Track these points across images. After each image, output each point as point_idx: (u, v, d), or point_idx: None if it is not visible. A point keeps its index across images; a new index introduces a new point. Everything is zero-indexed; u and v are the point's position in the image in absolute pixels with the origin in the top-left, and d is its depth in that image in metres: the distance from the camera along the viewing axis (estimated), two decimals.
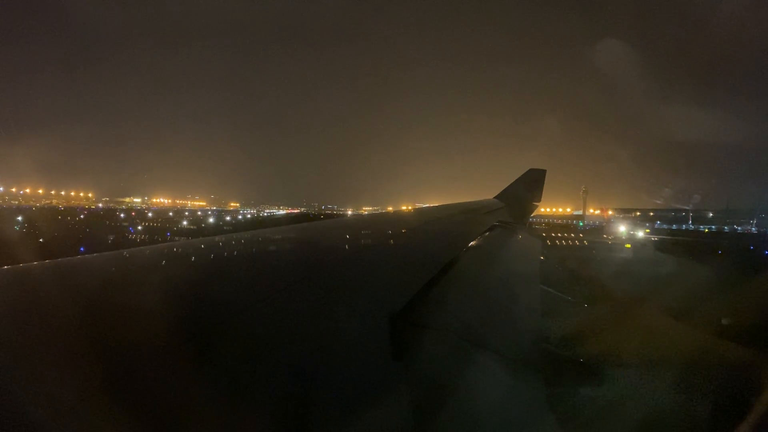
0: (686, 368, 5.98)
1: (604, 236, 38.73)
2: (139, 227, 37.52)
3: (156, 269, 2.25)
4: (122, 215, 55.83)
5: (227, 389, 1.21)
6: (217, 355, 1.33)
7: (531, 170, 9.85)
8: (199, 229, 40.41)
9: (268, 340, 1.48)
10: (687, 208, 57.46)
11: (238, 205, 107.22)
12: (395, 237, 3.91)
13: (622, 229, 41.95)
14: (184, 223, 44.13)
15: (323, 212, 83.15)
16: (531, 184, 9.59)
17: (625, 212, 62.65)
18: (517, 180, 9.72)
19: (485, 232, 5.24)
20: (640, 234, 41.30)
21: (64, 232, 33.62)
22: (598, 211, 67.26)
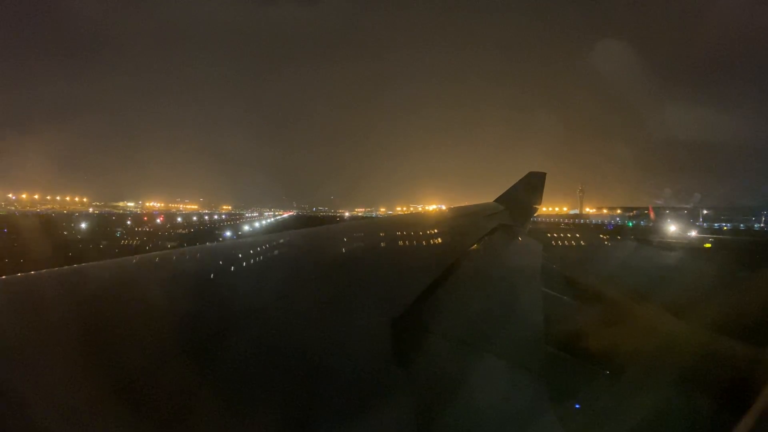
0: None
1: (660, 239, 34.97)
2: (228, 233, 39.96)
3: (178, 272, 2.39)
4: (180, 220, 60.05)
5: (233, 390, 1.24)
6: (223, 357, 1.37)
7: (531, 173, 9.71)
8: (251, 231, 43.83)
9: (273, 344, 1.51)
10: (686, 206, 57.21)
11: (230, 208, 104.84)
12: (396, 241, 3.98)
13: (672, 228, 39.42)
14: (246, 227, 47.94)
15: (315, 214, 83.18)
16: (531, 187, 9.48)
17: (625, 210, 62.42)
18: (517, 183, 9.64)
19: (486, 235, 5.31)
20: (693, 233, 38.52)
21: (165, 239, 35.42)
22: (593, 210, 66.81)
